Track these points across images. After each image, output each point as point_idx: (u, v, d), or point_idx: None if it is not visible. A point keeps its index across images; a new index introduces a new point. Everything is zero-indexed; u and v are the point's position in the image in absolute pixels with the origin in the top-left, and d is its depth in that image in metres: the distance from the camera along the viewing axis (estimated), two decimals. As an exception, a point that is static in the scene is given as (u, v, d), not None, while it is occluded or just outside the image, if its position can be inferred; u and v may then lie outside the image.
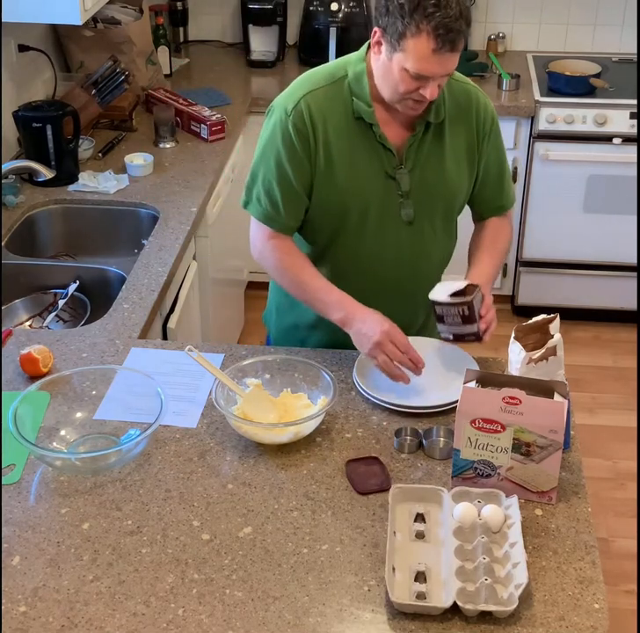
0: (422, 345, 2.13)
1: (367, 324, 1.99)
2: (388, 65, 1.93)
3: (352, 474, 1.80)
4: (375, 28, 1.93)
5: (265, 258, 2.15)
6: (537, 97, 3.80)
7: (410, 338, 2.15)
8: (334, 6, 4.02)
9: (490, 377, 1.76)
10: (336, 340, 2.16)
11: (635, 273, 4.00)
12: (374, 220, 2.09)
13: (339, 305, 2.04)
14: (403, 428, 1.90)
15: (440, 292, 2.00)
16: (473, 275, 2.12)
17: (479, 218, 2.28)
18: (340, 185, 2.05)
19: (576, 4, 4.21)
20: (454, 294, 1.98)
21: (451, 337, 2.02)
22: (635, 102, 3.72)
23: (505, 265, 4.13)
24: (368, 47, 2.04)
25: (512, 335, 1.84)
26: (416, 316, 2.27)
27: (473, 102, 2.10)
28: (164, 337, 2.64)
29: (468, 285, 2.00)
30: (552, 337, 1.81)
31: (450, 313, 1.98)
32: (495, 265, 2.20)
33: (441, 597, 1.54)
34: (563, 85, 3.83)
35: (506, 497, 1.69)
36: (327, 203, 2.08)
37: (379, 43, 1.93)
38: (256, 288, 3.91)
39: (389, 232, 2.11)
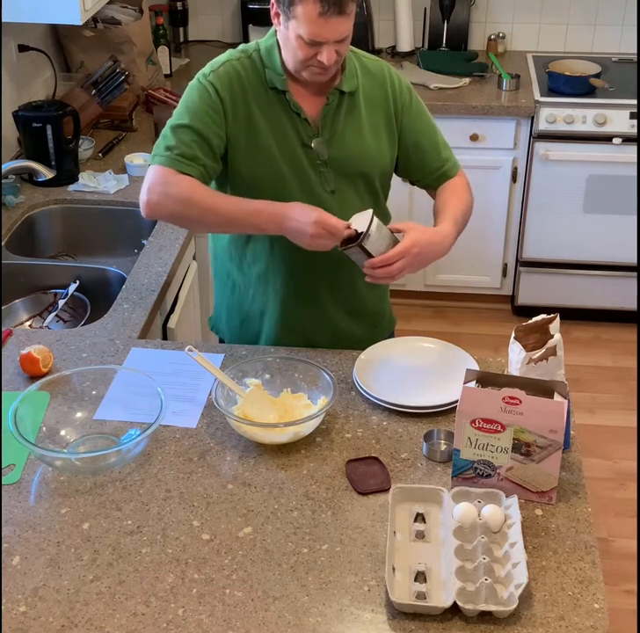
0: (422, 345, 2.14)
1: (297, 221, 1.97)
2: (286, 34, 1.98)
3: (352, 474, 1.80)
4: (272, 0, 1.98)
5: (169, 192, 1.99)
6: (537, 97, 3.80)
7: (408, 338, 2.16)
8: (334, 6, 4.02)
9: (491, 377, 1.76)
10: (289, 321, 2.22)
11: (635, 273, 4.00)
12: (295, 189, 2.10)
13: (266, 215, 2.00)
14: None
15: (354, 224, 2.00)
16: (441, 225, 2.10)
17: (431, 188, 2.26)
18: (257, 152, 2.06)
19: (576, 4, 4.21)
20: (350, 240, 1.98)
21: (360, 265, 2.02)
22: (635, 102, 3.72)
23: (505, 265, 4.13)
24: None
25: (512, 335, 1.84)
26: (354, 283, 2.24)
27: (386, 75, 2.16)
28: (164, 337, 2.64)
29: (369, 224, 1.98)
30: (552, 337, 1.81)
31: (351, 252, 2.00)
32: (457, 210, 2.15)
33: (441, 597, 1.54)
34: (563, 85, 3.83)
35: (506, 497, 1.69)
36: (244, 170, 2.08)
37: (277, 14, 1.99)
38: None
39: (313, 202, 2.08)
